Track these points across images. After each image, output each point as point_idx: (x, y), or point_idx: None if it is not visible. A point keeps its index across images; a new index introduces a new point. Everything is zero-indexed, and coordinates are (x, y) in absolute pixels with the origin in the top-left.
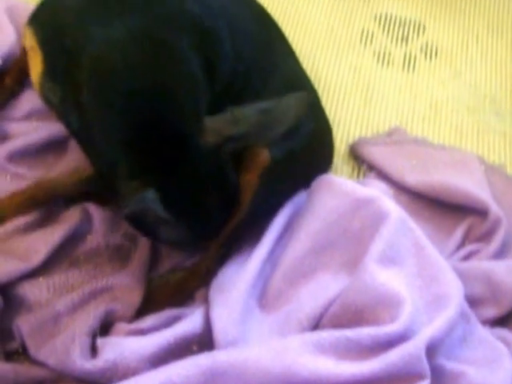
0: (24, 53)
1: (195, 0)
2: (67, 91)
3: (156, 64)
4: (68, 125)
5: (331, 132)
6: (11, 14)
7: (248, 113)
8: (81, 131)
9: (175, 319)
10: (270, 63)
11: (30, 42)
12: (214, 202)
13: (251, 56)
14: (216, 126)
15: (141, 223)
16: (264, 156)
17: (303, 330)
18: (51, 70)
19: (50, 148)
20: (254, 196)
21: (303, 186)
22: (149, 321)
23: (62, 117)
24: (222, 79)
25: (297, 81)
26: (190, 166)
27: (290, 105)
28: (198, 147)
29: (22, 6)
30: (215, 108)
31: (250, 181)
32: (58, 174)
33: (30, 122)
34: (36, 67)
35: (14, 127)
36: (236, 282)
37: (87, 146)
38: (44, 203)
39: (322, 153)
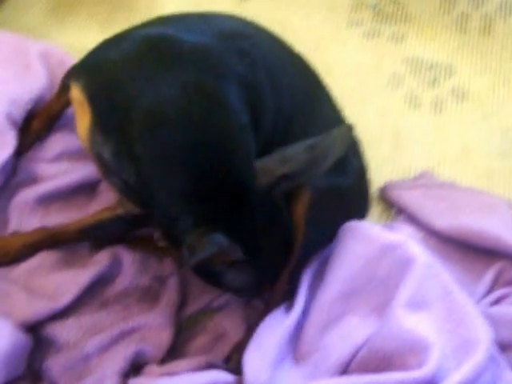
0: (54, 99)
1: (240, 54)
2: (121, 146)
3: (209, 116)
4: (122, 179)
5: (369, 177)
6: (44, 58)
7: (296, 151)
8: (137, 185)
9: (209, 366)
10: (310, 113)
11: (79, 97)
12: (274, 243)
13: (292, 108)
14: (267, 167)
15: (207, 270)
16: (306, 194)
17: (332, 376)
18: (102, 125)
19: (81, 190)
20: (304, 233)
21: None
22: (181, 365)
23: (115, 171)
24: (265, 132)
25: (333, 122)
26: (249, 209)
27: (335, 138)
28: (255, 191)
29: (55, 52)
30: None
31: (299, 219)
32: (63, 222)
33: (61, 163)
34: (83, 121)
35: (43, 169)
36: (274, 329)
37: (145, 199)
38: (47, 248)
39: (365, 192)
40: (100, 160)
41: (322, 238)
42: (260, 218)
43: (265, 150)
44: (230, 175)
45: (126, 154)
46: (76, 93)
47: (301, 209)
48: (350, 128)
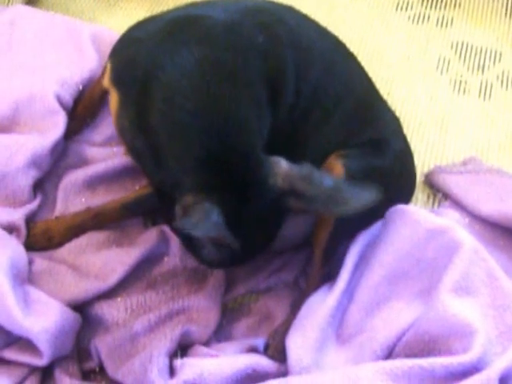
0: (97, 83)
1: (262, 28)
2: (137, 114)
3: (222, 90)
4: (132, 145)
5: (413, 159)
6: (96, 40)
7: (324, 181)
8: (144, 151)
9: (253, 350)
10: (342, 85)
11: (109, 76)
12: (257, 236)
13: (319, 76)
14: (289, 173)
15: (189, 237)
16: (337, 169)
17: (377, 358)
18: (124, 99)
19: (127, 173)
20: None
21: (388, 207)
22: (226, 347)
23: (130, 139)
24: (286, 100)
25: (371, 104)
26: (247, 193)
27: (361, 195)
28: (264, 181)
29: (107, 34)
30: (281, 127)
31: None
32: (108, 201)
33: (110, 147)
34: (113, 100)
35: (94, 152)
36: (316, 311)
37: (150, 164)
38: (93, 230)
39: (408, 174)
40: (122, 134)
41: (359, 219)
42: (255, 207)
43: (290, 114)
44: (237, 146)
45: (142, 121)
46: (107, 73)
47: None
48: (379, 194)
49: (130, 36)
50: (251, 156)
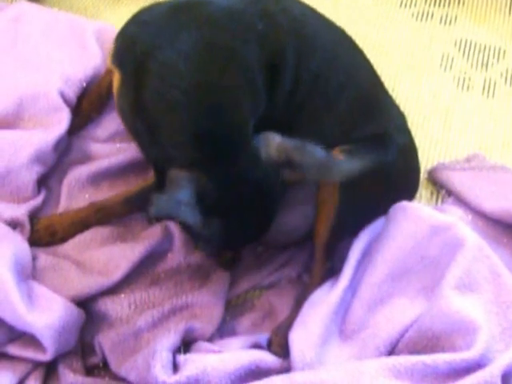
0: (103, 78)
1: (263, 15)
2: (134, 93)
3: (216, 69)
4: (131, 124)
5: (417, 155)
6: (100, 37)
7: (316, 151)
8: (141, 128)
9: (256, 346)
10: (346, 75)
11: (112, 59)
12: (253, 215)
13: (321, 65)
14: (283, 145)
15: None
16: None
17: (380, 355)
18: (125, 79)
19: (131, 169)
20: (339, 207)
21: (391, 205)
22: (230, 343)
23: (128, 118)
24: (284, 87)
25: (376, 98)
26: (238, 170)
27: (353, 162)
28: (256, 155)
29: (110, 30)
30: (279, 114)
31: (330, 192)
32: (111, 195)
33: (113, 143)
34: (116, 83)
35: (98, 148)
36: (319, 307)
37: (146, 142)
38: (97, 225)
39: (412, 169)
40: (122, 113)
41: (361, 213)
42: (247, 183)
43: (289, 100)
44: (225, 127)
45: (139, 99)
46: (111, 53)
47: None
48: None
49: (135, 18)
50: (242, 132)
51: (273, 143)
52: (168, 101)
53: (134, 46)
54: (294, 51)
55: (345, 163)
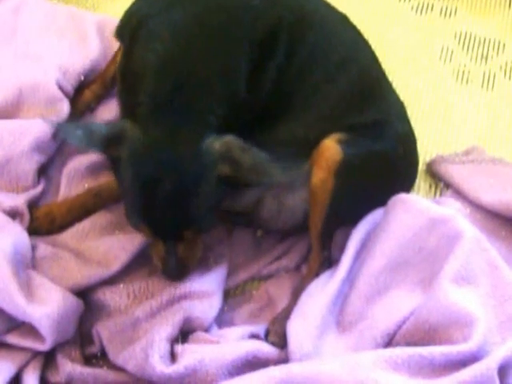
0: (106, 68)
1: None
2: (125, 59)
3: (198, 41)
4: (121, 88)
5: (416, 144)
6: (100, 29)
7: (259, 156)
8: (128, 92)
9: (254, 336)
10: (347, 52)
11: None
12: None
13: (319, 40)
14: (230, 141)
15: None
16: (333, 151)
17: (377, 346)
18: (124, 49)
19: None
20: (333, 195)
21: (389, 194)
22: (227, 334)
23: (124, 92)
24: (276, 62)
25: (377, 80)
26: (183, 142)
27: (289, 170)
28: (205, 147)
29: (110, 21)
30: (275, 86)
31: (324, 180)
32: (108, 181)
33: None
34: (119, 51)
35: None
36: (317, 298)
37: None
38: (95, 210)
39: (409, 160)
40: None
41: (358, 201)
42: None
43: (282, 74)
44: (184, 100)
45: (126, 66)
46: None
47: (326, 167)
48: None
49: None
50: (200, 115)
51: (220, 138)
52: (145, 64)
53: (131, 17)
54: (289, 26)
55: (281, 171)
